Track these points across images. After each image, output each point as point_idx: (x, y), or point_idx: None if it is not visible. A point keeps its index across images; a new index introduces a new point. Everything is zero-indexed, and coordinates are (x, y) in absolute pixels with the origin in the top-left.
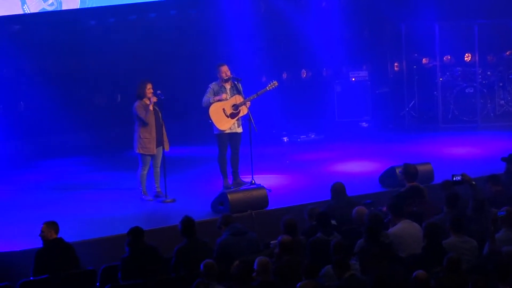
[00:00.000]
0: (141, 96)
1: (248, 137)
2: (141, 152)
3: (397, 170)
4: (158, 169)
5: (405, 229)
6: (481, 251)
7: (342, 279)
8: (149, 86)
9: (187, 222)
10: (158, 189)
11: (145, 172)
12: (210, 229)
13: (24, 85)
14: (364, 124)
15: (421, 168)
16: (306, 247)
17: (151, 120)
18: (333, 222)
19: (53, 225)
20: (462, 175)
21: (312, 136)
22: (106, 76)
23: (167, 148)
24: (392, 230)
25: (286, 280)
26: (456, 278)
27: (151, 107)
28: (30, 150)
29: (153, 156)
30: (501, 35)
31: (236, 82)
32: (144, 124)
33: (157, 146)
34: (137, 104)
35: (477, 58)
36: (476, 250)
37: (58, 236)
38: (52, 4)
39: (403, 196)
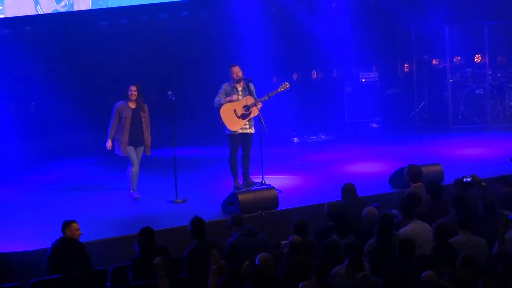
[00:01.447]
0: (125, 97)
1: (258, 138)
2: (122, 154)
3: (406, 171)
4: (137, 168)
5: (416, 229)
6: (490, 251)
7: (355, 279)
8: (132, 88)
9: (197, 222)
10: (134, 188)
11: (135, 170)
12: (220, 230)
13: (36, 85)
14: (374, 125)
15: (431, 169)
16: (320, 248)
17: (127, 120)
18: None
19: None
20: (472, 176)
21: (322, 137)
22: (117, 76)
23: (147, 152)
24: (403, 231)
25: (295, 280)
26: (470, 276)
27: (132, 105)
28: (41, 150)
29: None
30: (511, 36)
31: (248, 83)
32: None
33: (137, 145)
34: (120, 104)
35: (487, 59)
36: (485, 249)
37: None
38: (64, 5)
39: (412, 197)
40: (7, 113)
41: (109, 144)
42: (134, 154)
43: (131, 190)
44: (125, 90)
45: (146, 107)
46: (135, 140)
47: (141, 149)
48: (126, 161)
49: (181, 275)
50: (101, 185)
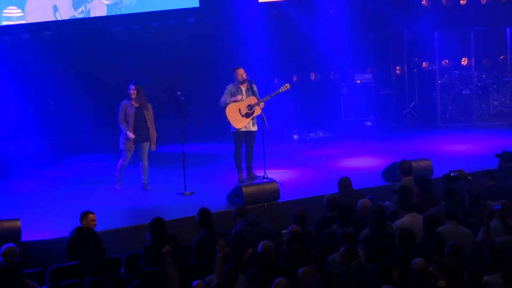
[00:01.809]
0: (128, 96)
1: (261, 135)
2: (122, 147)
3: (398, 166)
4: (146, 163)
5: (412, 221)
6: (476, 240)
7: (350, 266)
8: (132, 87)
9: (204, 213)
10: (145, 181)
11: (125, 164)
12: (226, 220)
13: (54, 85)
14: (369, 123)
15: (421, 164)
16: (321, 236)
17: (130, 117)
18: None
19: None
20: (459, 171)
21: (320, 134)
22: (129, 77)
23: (153, 147)
24: (400, 222)
25: (295, 267)
26: (456, 264)
27: (135, 103)
28: (60, 146)
29: (136, 152)
30: (496, 41)
31: (251, 84)
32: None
33: (140, 142)
34: (124, 102)
35: (473, 62)
36: (471, 238)
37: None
38: (81, 11)
39: (404, 190)
40: (28, 111)
41: (131, 134)
42: (132, 152)
43: (117, 180)
44: (128, 89)
45: (149, 105)
46: (140, 136)
47: (146, 144)
48: (137, 157)
49: (189, 263)
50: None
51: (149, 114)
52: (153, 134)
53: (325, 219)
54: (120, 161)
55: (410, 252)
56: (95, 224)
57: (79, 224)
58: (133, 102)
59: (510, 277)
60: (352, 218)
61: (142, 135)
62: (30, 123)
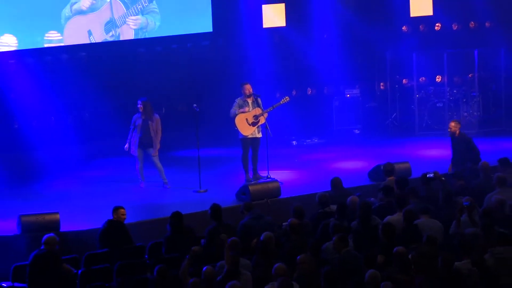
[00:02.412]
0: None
1: (265, 141)
2: (131, 153)
3: (382, 167)
4: (158, 165)
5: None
6: (447, 232)
7: (341, 254)
8: (139, 103)
9: (215, 208)
10: (164, 180)
11: (141, 166)
12: (235, 214)
13: (88, 98)
14: (357, 131)
15: (401, 166)
16: (318, 228)
17: (138, 127)
18: (334, 208)
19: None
20: (434, 172)
21: (316, 140)
22: (153, 92)
23: (153, 153)
24: (391, 218)
25: (294, 254)
26: (431, 251)
27: (142, 116)
28: (94, 150)
29: (145, 155)
30: (465, 61)
31: (256, 98)
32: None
33: (145, 147)
34: (136, 116)
35: (446, 79)
36: (440, 229)
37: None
38: (112, 35)
39: (387, 188)
40: (67, 120)
41: (126, 146)
42: (141, 155)
43: (140, 178)
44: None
45: (156, 118)
46: (144, 142)
47: (150, 149)
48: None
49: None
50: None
51: (153, 125)
52: (156, 142)
53: (319, 214)
54: (136, 165)
55: (392, 242)
56: (125, 218)
57: (110, 217)
58: (141, 115)
59: (478, 262)
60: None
61: (147, 142)
62: (68, 131)
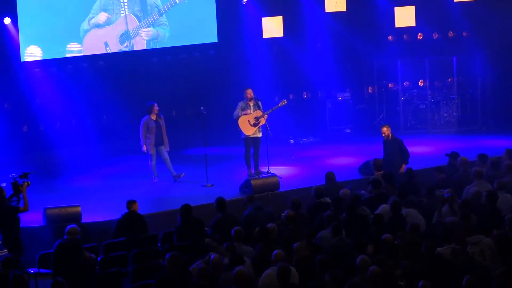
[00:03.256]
0: (150, 112)
1: (265, 140)
2: (146, 150)
3: (371, 163)
4: (167, 161)
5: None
6: (430, 221)
7: (334, 240)
8: (156, 105)
9: (220, 201)
10: (174, 173)
11: (154, 163)
12: (238, 205)
13: (106, 103)
14: (348, 131)
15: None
16: (317, 218)
17: (153, 129)
18: (328, 199)
19: (133, 202)
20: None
21: (311, 139)
22: (164, 96)
23: (167, 148)
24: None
25: (291, 242)
26: (415, 238)
27: (154, 117)
28: (111, 148)
29: (157, 153)
30: (445, 67)
31: (257, 101)
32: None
33: (157, 145)
34: (145, 119)
35: (427, 83)
36: (421, 218)
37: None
38: (126, 46)
39: (376, 182)
40: (87, 122)
41: (144, 148)
42: (154, 153)
43: (154, 176)
44: (149, 106)
45: (162, 117)
46: (157, 141)
47: (162, 147)
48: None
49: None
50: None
51: (163, 124)
52: (166, 139)
53: (315, 204)
54: (149, 162)
55: (380, 230)
56: (137, 210)
57: (126, 210)
58: (152, 117)
59: (457, 247)
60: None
61: (159, 141)
62: (88, 132)
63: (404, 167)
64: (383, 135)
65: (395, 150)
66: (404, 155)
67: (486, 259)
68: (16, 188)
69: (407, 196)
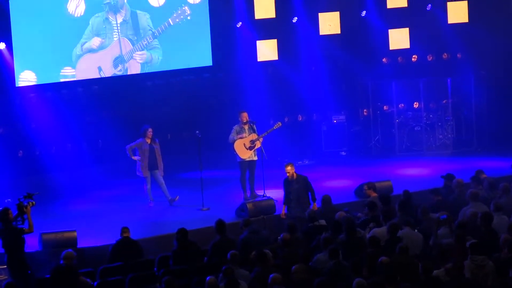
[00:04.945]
0: (144, 135)
1: (261, 163)
2: (141, 175)
3: (365, 186)
4: (163, 185)
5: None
6: (427, 242)
7: (332, 262)
8: (150, 129)
9: (220, 223)
10: (169, 197)
11: (149, 187)
12: (234, 229)
13: (101, 127)
14: (343, 153)
15: (383, 184)
16: (314, 241)
17: (146, 151)
18: (323, 222)
19: (126, 229)
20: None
21: (306, 162)
22: (159, 120)
23: (161, 173)
24: (379, 230)
25: (289, 265)
26: (405, 258)
27: (148, 140)
28: (105, 172)
29: (152, 177)
30: (439, 89)
31: (252, 124)
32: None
33: (152, 169)
34: (140, 141)
35: (422, 105)
36: (420, 239)
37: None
38: (120, 70)
39: (371, 204)
40: (82, 146)
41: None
42: (149, 176)
43: (150, 200)
44: (144, 130)
45: (157, 141)
46: (152, 165)
47: (156, 171)
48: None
49: (205, 262)
50: (147, 198)
51: (157, 149)
52: (161, 163)
53: (309, 227)
54: (144, 186)
55: (377, 252)
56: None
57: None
58: (146, 140)
59: (454, 269)
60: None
61: (153, 164)
62: (83, 156)
63: (316, 206)
64: (288, 174)
65: (300, 189)
66: (311, 192)
67: (489, 283)
68: (21, 208)
69: (405, 218)
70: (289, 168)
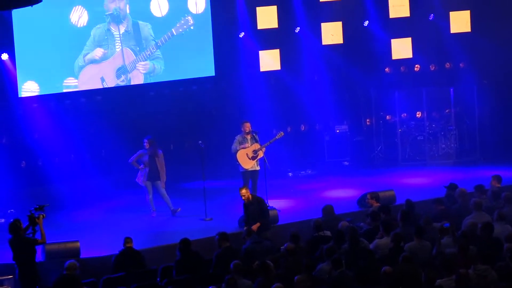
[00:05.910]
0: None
1: (263, 173)
2: (142, 184)
3: (369, 196)
4: (165, 195)
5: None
6: (430, 252)
7: (336, 273)
8: (146, 141)
9: (223, 234)
10: (172, 208)
11: (150, 197)
12: (237, 239)
13: (104, 137)
14: (346, 163)
15: (386, 194)
16: (318, 251)
17: (146, 164)
18: (328, 233)
19: (129, 239)
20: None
21: (309, 171)
22: (162, 130)
23: (162, 185)
24: (380, 241)
25: (291, 275)
26: (410, 268)
27: (148, 152)
28: (108, 183)
29: (154, 187)
30: (442, 98)
31: (254, 134)
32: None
33: (153, 180)
34: (139, 152)
35: (425, 114)
36: (430, 250)
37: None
38: (123, 80)
39: (374, 214)
40: (85, 157)
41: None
42: (150, 187)
43: (152, 210)
44: (143, 142)
45: (159, 153)
46: (152, 176)
47: (158, 182)
48: (168, 191)
49: (209, 272)
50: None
51: (159, 160)
52: (163, 175)
53: (313, 238)
54: (146, 196)
55: (380, 261)
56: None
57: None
58: (147, 152)
59: (458, 279)
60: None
61: (154, 175)
62: (86, 166)
63: (256, 226)
64: (243, 197)
65: (256, 210)
66: (266, 213)
67: None
68: (33, 220)
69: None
70: (243, 191)
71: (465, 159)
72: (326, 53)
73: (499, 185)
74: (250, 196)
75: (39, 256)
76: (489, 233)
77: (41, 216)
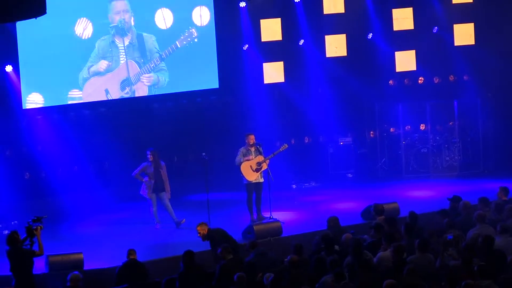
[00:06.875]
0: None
1: (267, 185)
2: (146, 196)
3: (372, 208)
4: (169, 207)
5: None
6: (433, 264)
7: (340, 285)
8: (148, 153)
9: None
10: (176, 220)
11: (155, 209)
12: (241, 251)
13: (108, 149)
14: (350, 175)
15: (390, 206)
16: (311, 261)
17: (150, 176)
18: (336, 247)
19: (133, 251)
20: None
21: (313, 184)
22: (166, 142)
23: (168, 196)
24: (384, 254)
25: (293, 287)
26: (413, 280)
27: (152, 165)
28: (112, 195)
29: (158, 199)
30: (446, 111)
31: (258, 146)
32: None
33: (158, 191)
34: (142, 165)
35: (429, 127)
36: (433, 262)
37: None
38: (127, 92)
39: (378, 226)
40: (89, 169)
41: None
42: (155, 199)
43: (156, 222)
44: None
45: (162, 164)
46: (157, 188)
47: (163, 193)
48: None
49: (212, 284)
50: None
51: (162, 172)
52: (167, 186)
53: (317, 250)
54: (150, 208)
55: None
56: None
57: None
58: (151, 164)
59: None
60: (340, 248)
61: (159, 187)
62: (89, 178)
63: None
64: (199, 235)
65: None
66: (231, 240)
67: None
68: (30, 232)
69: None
70: (199, 228)
71: (469, 171)
72: (330, 66)
73: (505, 198)
74: (206, 229)
75: (42, 268)
76: (489, 246)
77: (39, 227)
